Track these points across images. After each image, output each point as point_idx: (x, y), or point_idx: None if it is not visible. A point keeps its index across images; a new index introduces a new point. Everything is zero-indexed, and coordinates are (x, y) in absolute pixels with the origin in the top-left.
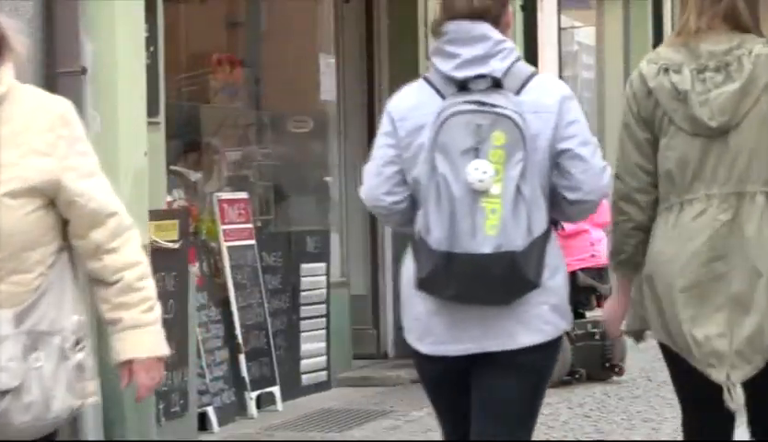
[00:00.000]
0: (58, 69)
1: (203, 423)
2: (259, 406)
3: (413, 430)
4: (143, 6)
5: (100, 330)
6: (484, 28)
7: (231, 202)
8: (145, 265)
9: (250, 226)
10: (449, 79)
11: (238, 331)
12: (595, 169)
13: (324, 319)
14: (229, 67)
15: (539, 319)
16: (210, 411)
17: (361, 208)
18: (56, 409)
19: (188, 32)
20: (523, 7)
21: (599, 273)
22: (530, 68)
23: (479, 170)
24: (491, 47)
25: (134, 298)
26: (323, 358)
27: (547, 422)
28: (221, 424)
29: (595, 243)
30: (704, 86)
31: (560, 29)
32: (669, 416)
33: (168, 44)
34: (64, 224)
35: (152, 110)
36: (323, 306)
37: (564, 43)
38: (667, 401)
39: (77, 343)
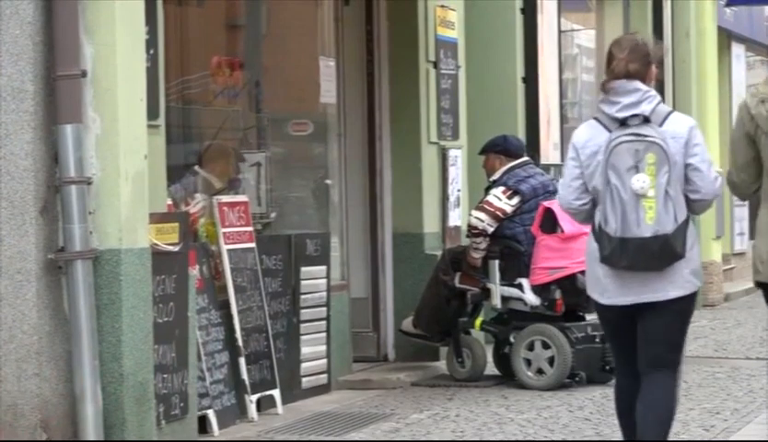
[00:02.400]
0: (58, 72)
1: (203, 426)
2: (259, 409)
3: (413, 433)
4: (143, 9)
5: (101, 335)
6: (636, 83)
7: (231, 205)
8: None
9: (250, 229)
10: (613, 119)
11: (238, 334)
12: (709, 179)
13: (324, 322)
14: (229, 70)
15: (682, 279)
16: (210, 414)
17: (361, 210)
18: None
19: (188, 35)
20: (523, 11)
21: None
22: (668, 108)
23: (639, 181)
24: (641, 96)
25: None
26: (323, 361)
27: (547, 425)
28: (221, 427)
29: None
30: None
31: (560, 31)
32: None
33: (169, 47)
34: None
35: (152, 112)
36: (323, 309)
37: (564, 46)
38: None
39: None
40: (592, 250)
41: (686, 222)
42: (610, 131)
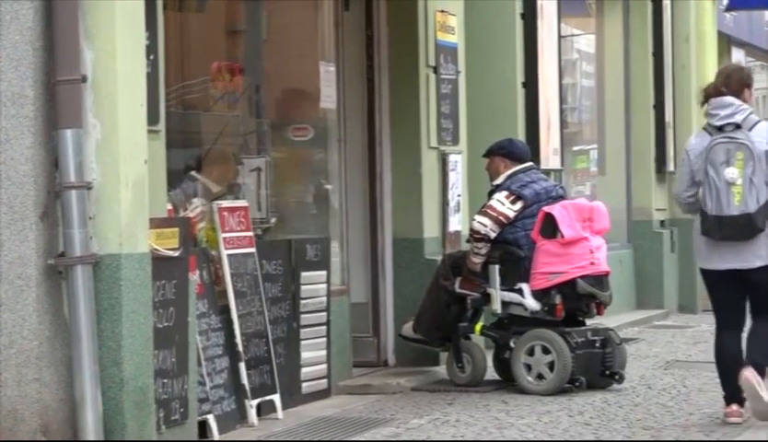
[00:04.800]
0: (58, 77)
1: (203, 431)
2: (259, 414)
3: (413, 438)
4: (143, 14)
5: (101, 340)
6: (730, 99)
7: (231, 210)
8: None
9: (250, 234)
10: (714, 127)
11: (238, 338)
12: None
13: (324, 327)
14: (229, 75)
15: (764, 252)
16: (210, 419)
17: (361, 215)
18: None
19: (188, 40)
20: (523, 15)
21: (598, 280)
22: (756, 118)
23: (730, 173)
24: (735, 109)
25: None
26: (323, 366)
27: (547, 429)
28: (221, 432)
29: (594, 251)
30: None
31: (560, 36)
32: (669, 424)
33: (169, 52)
34: None
35: (152, 118)
36: (323, 314)
37: (563, 51)
38: (667, 408)
39: None
40: (697, 226)
41: (767, 203)
42: (711, 135)
